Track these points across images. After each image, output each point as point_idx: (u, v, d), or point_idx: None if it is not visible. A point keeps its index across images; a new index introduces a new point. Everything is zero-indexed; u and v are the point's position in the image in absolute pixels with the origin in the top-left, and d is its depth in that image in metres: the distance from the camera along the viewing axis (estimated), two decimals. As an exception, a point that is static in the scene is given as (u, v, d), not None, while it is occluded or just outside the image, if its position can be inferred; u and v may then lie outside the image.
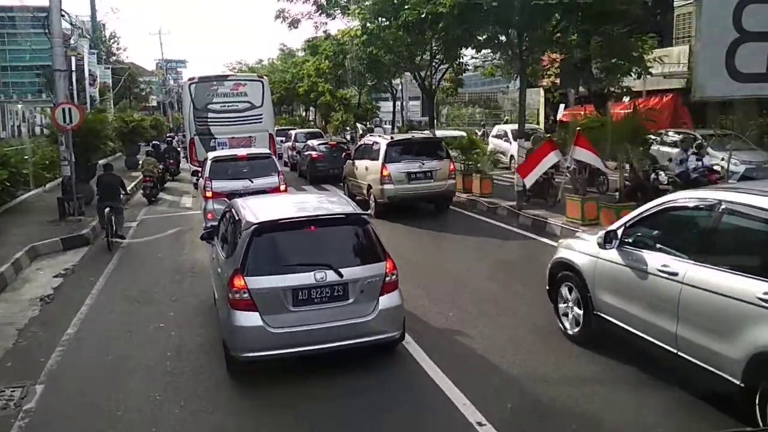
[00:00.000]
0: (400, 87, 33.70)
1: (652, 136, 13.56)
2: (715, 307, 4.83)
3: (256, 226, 5.90)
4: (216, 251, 7.40)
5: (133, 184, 20.96)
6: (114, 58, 62.46)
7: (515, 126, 18.50)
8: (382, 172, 14.25)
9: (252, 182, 12.39)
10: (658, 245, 5.62)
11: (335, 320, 5.77)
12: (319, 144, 23.92)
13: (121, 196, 13.74)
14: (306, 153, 23.83)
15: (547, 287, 7.13)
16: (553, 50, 21.20)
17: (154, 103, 77.32)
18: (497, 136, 25.31)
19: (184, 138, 24.89)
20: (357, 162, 16.18)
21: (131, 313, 8.28)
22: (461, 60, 22.66)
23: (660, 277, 5.38)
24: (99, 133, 17.67)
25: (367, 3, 19.44)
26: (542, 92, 33.25)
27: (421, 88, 24.13)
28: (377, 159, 14.69)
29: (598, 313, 6.24)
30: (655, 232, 5.77)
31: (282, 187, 12.89)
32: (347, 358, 6.07)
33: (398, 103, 33.96)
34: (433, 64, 23.32)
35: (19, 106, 61.03)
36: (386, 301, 6.00)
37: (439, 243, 12.52)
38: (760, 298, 4.43)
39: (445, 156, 14.98)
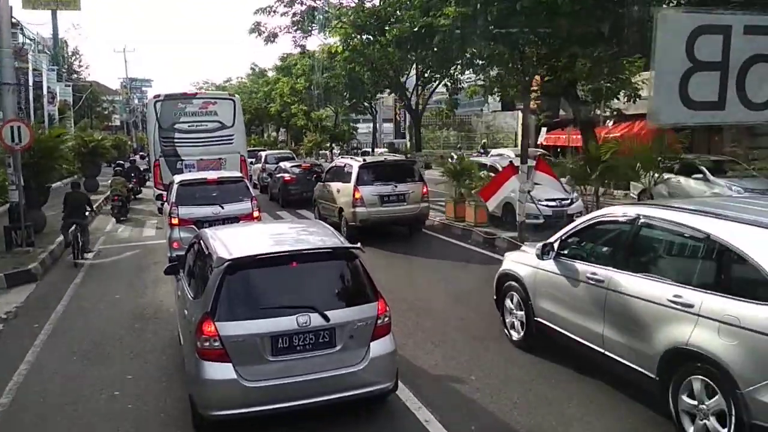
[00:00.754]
0: (376, 108, 32.68)
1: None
2: (634, 309, 5.45)
3: (229, 262, 5.18)
4: (182, 287, 6.59)
5: (95, 205, 19.37)
6: (75, 75, 60.30)
7: (509, 150, 17.61)
8: (354, 195, 14.06)
9: (222, 208, 11.53)
10: (588, 256, 6.29)
11: (321, 371, 5.12)
12: (292, 166, 22.90)
13: (87, 213, 13.86)
14: (278, 175, 22.84)
15: (495, 297, 7.70)
16: (539, 71, 20.55)
17: (117, 123, 74.79)
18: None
19: (148, 160, 23.91)
20: (328, 184, 15.99)
21: (80, 377, 6.79)
22: (455, 77, 21.52)
23: (589, 284, 6.01)
24: (53, 154, 16.02)
25: (349, 18, 18.33)
26: (520, 115, 32.70)
27: (407, 109, 23.08)
28: (349, 181, 14.46)
29: (538, 319, 6.84)
30: (586, 243, 6.45)
31: (255, 214, 11.96)
32: (332, 412, 5.42)
33: (380, 124, 32.95)
34: (421, 82, 22.26)
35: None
36: (378, 347, 5.37)
37: (413, 268, 11.64)
38: (670, 300, 5.04)
39: (417, 179, 14.86)
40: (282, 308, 5.15)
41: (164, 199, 13.85)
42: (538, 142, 28.65)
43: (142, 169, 26.60)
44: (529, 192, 8.46)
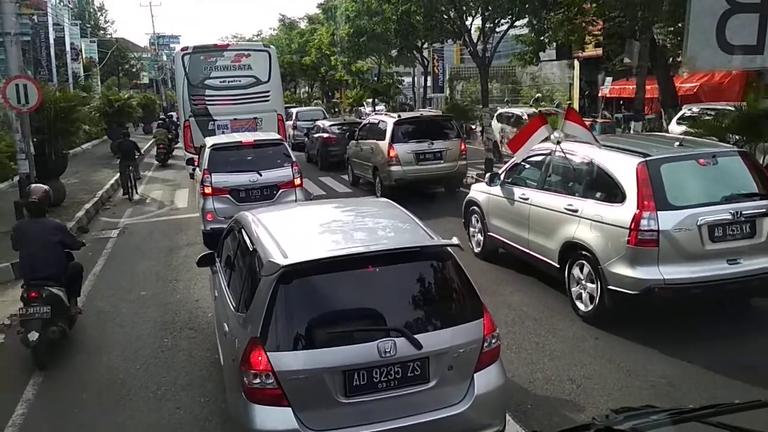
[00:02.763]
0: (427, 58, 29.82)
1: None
2: (545, 217, 7.31)
3: (284, 269, 3.78)
4: (219, 285, 5.32)
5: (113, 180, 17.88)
6: (102, 32, 58.43)
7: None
8: (388, 153, 13.50)
9: (260, 175, 10.29)
10: (521, 181, 8.09)
11: (409, 415, 3.81)
12: (332, 125, 20.92)
13: (136, 156, 16.63)
14: (316, 135, 20.96)
15: (464, 220, 9.56)
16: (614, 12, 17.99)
17: (146, 80, 73.08)
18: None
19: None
20: (362, 142, 15.43)
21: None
22: (541, 16, 18.48)
23: (520, 202, 7.87)
24: (70, 116, 14.13)
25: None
26: (577, 65, 29.81)
27: (472, 56, 20.42)
28: (383, 139, 13.88)
29: (491, 233, 8.66)
30: (520, 172, 8.21)
31: (297, 181, 10.54)
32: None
33: (419, 78, 30.30)
34: (489, 26, 19.49)
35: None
36: (485, 379, 4.03)
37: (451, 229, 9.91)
38: (566, 208, 6.92)
39: (455, 135, 14.32)
40: (358, 332, 3.83)
41: (195, 163, 12.51)
42: (600, 94, 26.02)
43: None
44: (559, 143, 7.35)
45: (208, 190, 10.28)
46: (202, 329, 6.77)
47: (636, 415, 1.79)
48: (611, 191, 6.39)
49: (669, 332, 6.13)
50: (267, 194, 10.34)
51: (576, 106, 28.71)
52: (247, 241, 4.61)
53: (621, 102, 26.57)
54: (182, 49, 17.30)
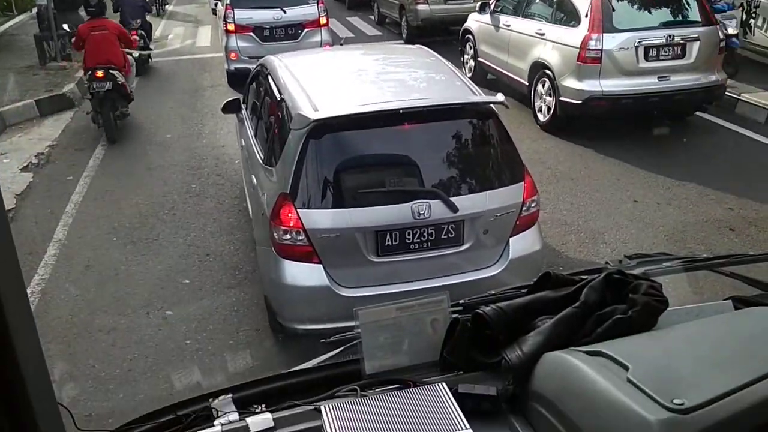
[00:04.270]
0: None
1: None
2: (520, 41, 8.26)
3: (313, 123, 3.58)
4: (246, 133, 5.16)
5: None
6: None
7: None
8: None
9: (284, 12, 9.99)
10: (506, 9, 8.94)
11: (442, 275, 3.72)
12: None
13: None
14: None
15: (459, 47, 10.24)
16: None
17: None
18: None
19: None
20: None
21: (117, 277, 4.93)
22: None
23: (503, 28, 8.76)
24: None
25: None
26: None
27: None
28: None
29: (480, 59, 9.55)
30: (508, 2, 8.97)
31: (323, 21, 10.26)
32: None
33: None
34: None
35: None
36: (521, 244, 3.92)
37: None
38: (536, 32, 7.84)
39: None
40: (391, 192, 3.66)
41: None
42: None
43: None
44: None
45: (231, 27, 9.97)
46: (229, 176, 6.67)
47: (649, 261, 1.77)
48: (570, 16, 7.43)
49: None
50: (291, 33, 10.05)
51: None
52: (275, 90, 4.38)
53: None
54: None
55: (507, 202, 3.82)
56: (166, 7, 19.29)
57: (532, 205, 3.95)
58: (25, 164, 7.28)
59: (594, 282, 1.39)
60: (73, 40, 8.67)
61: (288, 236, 3.59)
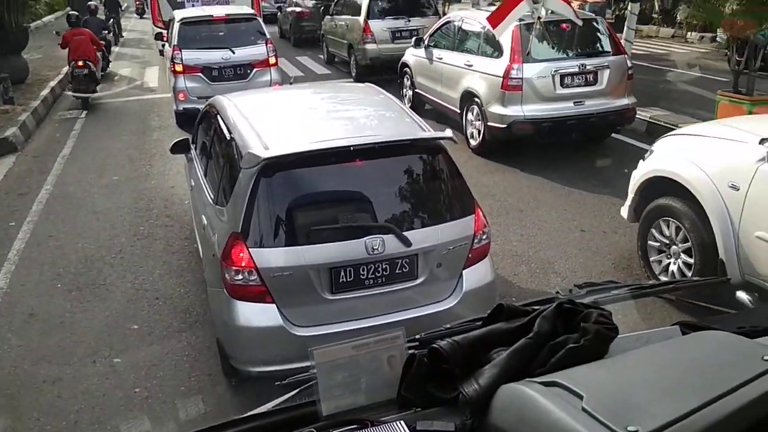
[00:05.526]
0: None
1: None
2: (451, 72, 9.00)
3: (265, 161, 3.54)
4: (195, 173, 5.07)
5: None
6: None
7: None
8: (364, 30, 13.02)
9: (233, 52, 9.99)
10: (439, 44, 9.61)
11: (396, 311, 3.69)
12: None
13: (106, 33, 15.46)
14: (289, 9, 20.23)
15: (398, 80, 10.95)
16: None
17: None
18: None
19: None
20: (337, 18, 14.96)
21: (64, 325, 4.73)
22: None
23: (436, 61, 9.47)
24: (26, -15, 13.05)
25: None
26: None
27: None
28: (359, 15, 13.32)
29: (417, 90, 10.24)
30: (439, 36, 9.76)
31: (272, 60, 10.28)
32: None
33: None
34: None
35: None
36: (474, 276, 3.93)
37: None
38: (465, 64, 8.59)
39: (432, 12, 13.93)
40: (345, 228, 3.65)
41: (165, 39, 12.02)
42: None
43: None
44: (539, 19, 7.79)
45: (179, 68, 9.90)
46: (179, 217, 6.56)
47: (598, 289, 1.81)
48: (494, 49, 8.11)
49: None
50: (241, 73, 10.04)
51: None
52: (224, 129, 4.34)
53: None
54: None
55: (459, 235, 3.85)
56: (122, 35, 21.89)
57: (483, 237, 3.98)
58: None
59: (546, 312, 1.40)
60: (59, 43, 12.35)
61: (240, 276, 3.52)
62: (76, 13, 13.57)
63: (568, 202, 6.74)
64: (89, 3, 15.15)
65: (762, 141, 4.18)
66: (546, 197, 6.92)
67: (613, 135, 8.47)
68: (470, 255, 3.91)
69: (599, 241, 5.84)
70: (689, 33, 18.57)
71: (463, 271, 3.91)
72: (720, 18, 9.04)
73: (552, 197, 6.89)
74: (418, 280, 3.76)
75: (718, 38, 16.77)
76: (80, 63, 11.36)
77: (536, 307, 1.49)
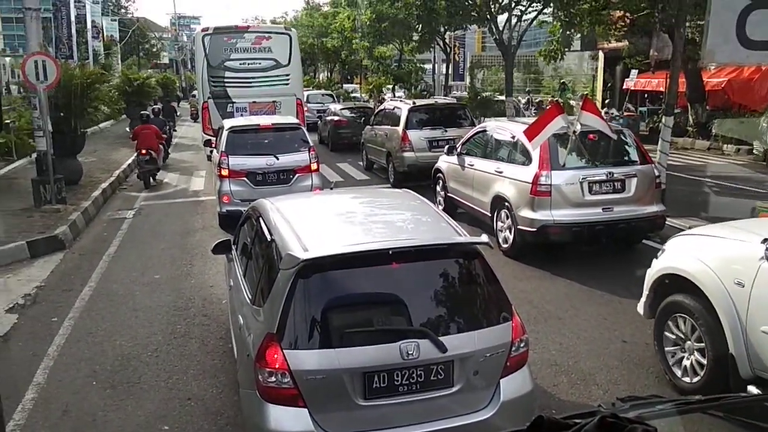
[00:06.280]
0: (445, 47, 29.31)
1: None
2: (482, 178, 9.47)
3: (303, 263, 3.60)
4: (235, 274, 5.11)
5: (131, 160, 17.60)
6: (123, 10, 58.37)
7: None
8: (402, 139, 13.65)
9: (277, 159, 10.41)
10: (471, 151, 10.22)
11: (431, 420, 3.62)
12: (342, 108, 21.99)
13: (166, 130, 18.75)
14: (328, 118, 21.81)
15: (431, 185, 11.50)
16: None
17: (166, 60, 72.97)
18: None
19: (196, 101, 23.38)
20: (377, 127, 15.66)
21: (97, 423, 4.75)
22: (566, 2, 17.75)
23: (468, 168, 9.99)
24: (88, 94, 14.01)
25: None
26: (602, 56, 29.21)
27: (497, 44, 19.94)
28: (398, 125, 14.03)
29: (450, 195, 10.78)
30: (471, 145, 10.32)
31: (314, 166, 10.63)
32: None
33: (439, 65, 29.86)
34: (515, 13, 19.15)
35: (7, 59, 40.01)
36: (511, 385, 3.83)
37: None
38: (495, 170, 9.01)
39: (468, 123, 14.20)
40: (379, 332, 3.66)
41: (213, 145, 12.52)
42: (624, 87, 25.46)
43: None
44: (575, 133, 8.12)
45: (224, 173, 10.32)
46: (216, 317, 6.63)
47: (642, 403, 1.77)
48: (523, 157, 8.49)
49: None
50: (283, 178, 10.42)
51: (599, 98, 28.25)
52: (265, 231, 4.44)
53: (645, 95, 26.05)
54: (203, 30, 17.25)
55: (496, 342, 3.77)
56: (175, 129, 24.52)
57: (521, 345, 3.89)
58: (11, 305, 7.19)
59: (588, 426, 1.38)
60: (130, 136, 15.89)
61: (273, 378, 3.50)
62: (147, 112, 17.57)
63: (608, 311, 6.61)
64: (153, 107, 18.29)
65: (764, 241, 4.36)
66: (584, 305, 6.80)
67: (651, 244, 8.40)
68: (508, 363, 3.82)
69: (641, 352, 5.66)
70: (725, 145, 18.69)
71: (501, 380, 3.81)
72: (758, 132, 9.25)
73: (591, 305, 6.78)
74: (454, 388, 3.67)
75: (754, 150, 16.90)
76: (143, 152, 14.32)
77: (578, 421, 1.46)
